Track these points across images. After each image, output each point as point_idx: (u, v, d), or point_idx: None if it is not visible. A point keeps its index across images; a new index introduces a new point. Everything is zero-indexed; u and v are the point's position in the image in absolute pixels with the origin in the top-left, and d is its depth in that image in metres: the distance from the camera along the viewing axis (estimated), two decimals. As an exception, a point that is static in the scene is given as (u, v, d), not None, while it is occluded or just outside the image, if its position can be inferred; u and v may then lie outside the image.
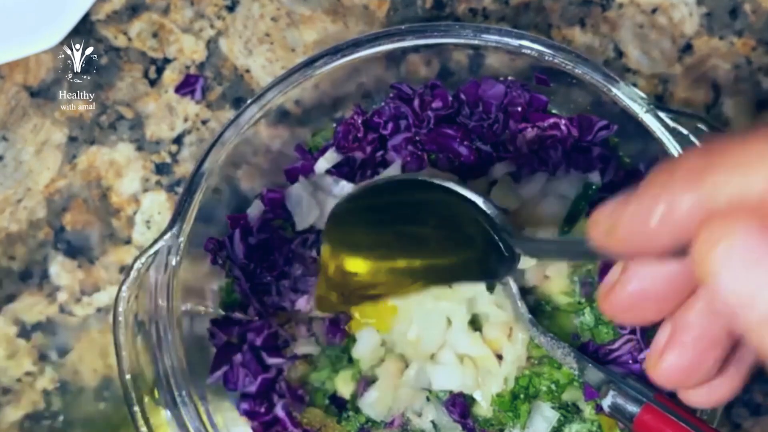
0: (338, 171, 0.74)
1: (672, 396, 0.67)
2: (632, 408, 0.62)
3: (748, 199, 0.33)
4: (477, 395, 0.70)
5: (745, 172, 0.33)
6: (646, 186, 0.37)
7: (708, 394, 0.44)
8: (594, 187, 0.70)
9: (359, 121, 0.74)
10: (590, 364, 0.66)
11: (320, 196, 0.74)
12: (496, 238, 0.60)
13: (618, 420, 0.64)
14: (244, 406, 0.72)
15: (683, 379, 0.42)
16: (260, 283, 0.73)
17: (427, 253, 0.64)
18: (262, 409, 0.71)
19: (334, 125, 0.76)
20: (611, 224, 0.37)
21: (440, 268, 0.64)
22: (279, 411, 0.71)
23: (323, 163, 0.74)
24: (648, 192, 0.36)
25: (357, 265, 0.64)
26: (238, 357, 0.71)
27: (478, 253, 0.62)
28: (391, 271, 0.64)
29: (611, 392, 0.62)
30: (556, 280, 0.71)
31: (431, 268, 0.64)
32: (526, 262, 0.69)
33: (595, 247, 0.39)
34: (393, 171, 0.73)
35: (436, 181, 0.63)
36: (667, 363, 0.41)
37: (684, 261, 0.37)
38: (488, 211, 0.60)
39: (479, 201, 0.61)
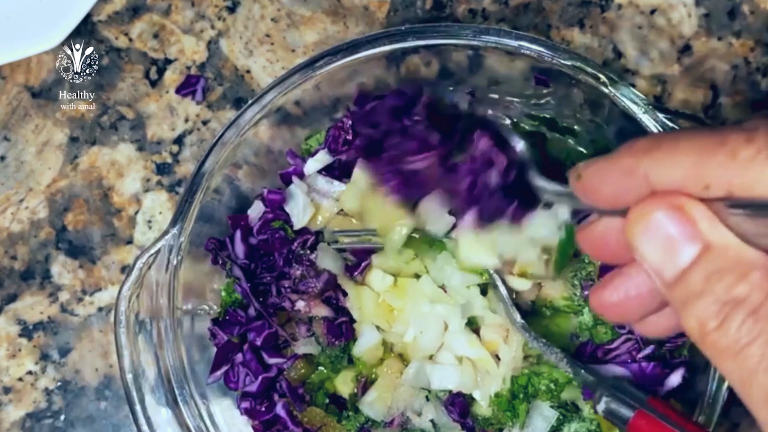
0: (329, 173, 0.74)
1: (666, 398, 0.68)
2: (626, 412, 0.62)
3: (669, 184, 0.43)
4: (476, 395, 0.70)
5: (672, 162, 0.43)
6: (612, 154, 0.47)
7: (647, 327, 0.52)
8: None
9: (348, 124, 0.74)
10: (583, 370, 0.67)
11: (315, 197, 0.74)
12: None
13: (612, 423, 0.65)
14: (245, 405, 0.72)
15: (613, 311, 0.51)
16: (260, 283, 0.73)
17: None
18: (263, 408, 0.72)
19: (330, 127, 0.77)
20: (579, 173, 0.49)
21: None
22: (279, 410, 0.71)
23: (313, 164, 0.74)
24: (607, 159, 0.47)
25: None
26: (239, 356, 0.72)
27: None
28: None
29: (604, 398, 0.63)
30: (554, 285, 0.72)
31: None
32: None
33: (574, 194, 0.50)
34: None
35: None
36: (600, 296, 0.51)
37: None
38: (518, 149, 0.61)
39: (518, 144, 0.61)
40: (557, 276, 0.71)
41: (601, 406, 0.63)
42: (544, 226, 0.71)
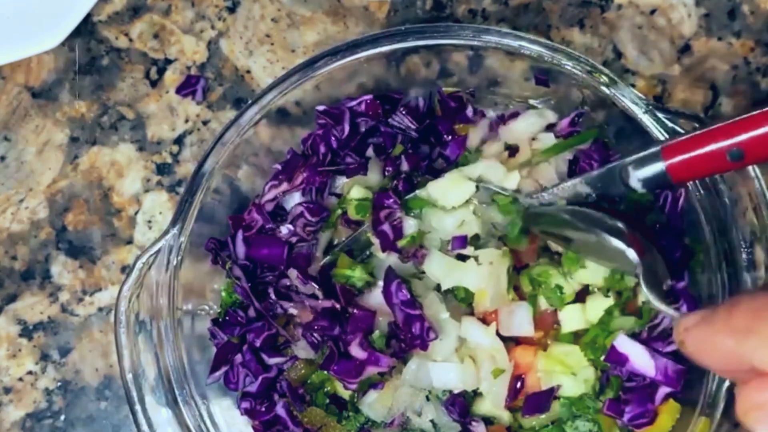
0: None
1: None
2: (657, 164, 0.61)
3: None
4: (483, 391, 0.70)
5: None
6: (713, 316, 0.48)
7: None
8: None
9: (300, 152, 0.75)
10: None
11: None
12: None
13: (655, 190, 0.65)
14: (245, 405, 0.72)
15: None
16: (261, 283, 0.73)
17: None
18: (263, 409, 0.72)
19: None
20: (681, 339, 0.50)
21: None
22: (280, 410, 0.71)
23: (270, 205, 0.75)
24: (709, 325, 0.48)
25: None
26: (239, 357, 0.72)
27: None
28: None
29: (631, 172, 0.63)
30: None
31: None
32: None
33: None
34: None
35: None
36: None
37: None
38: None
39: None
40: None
41: (633, 180, 0.63)
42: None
